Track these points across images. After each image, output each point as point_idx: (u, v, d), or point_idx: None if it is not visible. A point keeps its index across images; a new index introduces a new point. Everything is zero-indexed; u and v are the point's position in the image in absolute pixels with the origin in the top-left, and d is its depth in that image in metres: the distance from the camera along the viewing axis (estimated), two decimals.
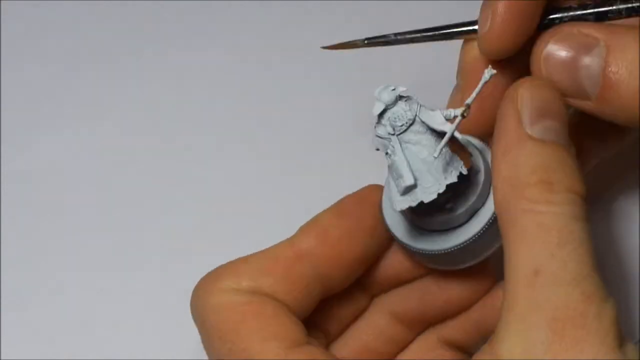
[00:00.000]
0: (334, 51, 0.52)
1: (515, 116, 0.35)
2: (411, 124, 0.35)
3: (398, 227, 0.38)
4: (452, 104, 0.39)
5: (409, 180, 0.34)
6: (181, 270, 0.46)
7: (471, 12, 0.52)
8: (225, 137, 0.50)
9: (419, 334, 0.42)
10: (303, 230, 0.38)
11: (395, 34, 0.37)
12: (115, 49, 0.52)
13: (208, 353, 0.37)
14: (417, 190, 0.35)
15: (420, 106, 0.35)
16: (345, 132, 0.49)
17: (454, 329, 0.41)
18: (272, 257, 0.37)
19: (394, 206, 0.35)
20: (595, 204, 0.47)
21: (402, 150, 0.35)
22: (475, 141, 0.38)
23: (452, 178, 0.35)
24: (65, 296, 0.46)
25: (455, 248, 0.37)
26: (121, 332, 0.45)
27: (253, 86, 0.51)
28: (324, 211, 0.39)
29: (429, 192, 0.35)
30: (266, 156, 0.49)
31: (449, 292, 0.41)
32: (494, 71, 0.35)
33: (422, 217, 0.37)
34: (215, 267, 0.46)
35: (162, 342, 0.45)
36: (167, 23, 0.53)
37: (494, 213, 0.36)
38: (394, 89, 0.35)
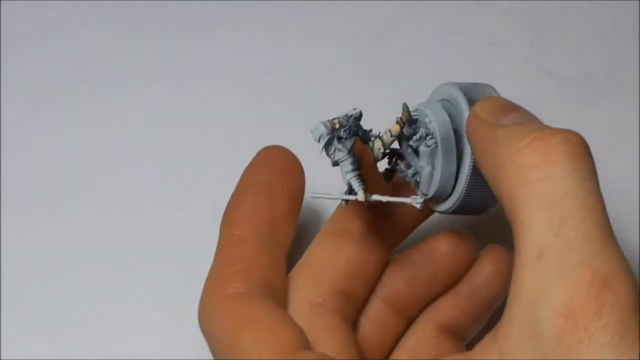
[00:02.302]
0: (335, 51, 0.52)
1: (484, 123, 0.34)
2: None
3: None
4: None
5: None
6: (182, 270, 0.46)
7: (470, 11, 0.53)
8: (225, 136, 0.50)
9: (411, 320, 0.41)
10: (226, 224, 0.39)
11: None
12: (116, 48, 0.52)
13: None
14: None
15: (346, 158, 0.36)
16: None
17: (446, 309, 0.40)
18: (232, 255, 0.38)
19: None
20: None
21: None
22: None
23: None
24: (66, 296, 0.46)
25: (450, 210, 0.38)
26: (121, 332, 0.45)
27: (254, 86, 0.51)
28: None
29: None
30: None
31: (436, 264, 0.39)
32: (420, 201, 0.36)
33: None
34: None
35: (162, 342, 0.45)
36: (168, 23, 0.53)
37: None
38: (328, 129, 0.37)
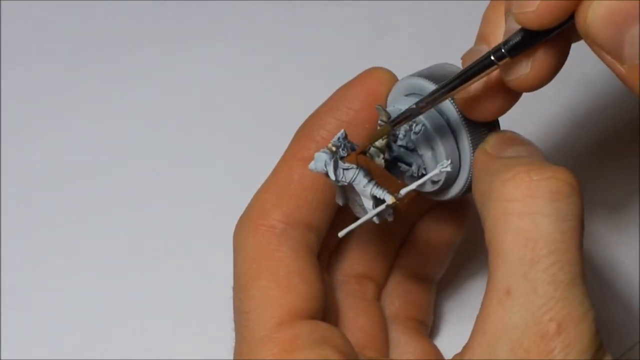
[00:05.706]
0: (336, 49, 0.52)
1: (485, 153, 0.34)
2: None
3: None
4: (470, 55, 0.35)
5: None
6: (181, 270, 0.47)
7: (470, 11, 0.52)
8: (225, 135, 0.50)
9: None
10: (299, 138, 0.37)
11: (417, 104, 0.34)
12: (115, 49, 0.52)
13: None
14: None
15: (357, 173, 0.35)
16: None
17: (408, 258, 0.41)
18: (286, 181, 0.36)
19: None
20: (594, 204, 0.47)
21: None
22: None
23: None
24: (66, 296, 0.46)
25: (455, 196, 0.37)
26: (121, 332, 0.45)
27: (254, 85, 0.51)
28: (316, 112, 0.37)
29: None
30: (267, 155, 0.49)
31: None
32: (448, 168, 0.33)
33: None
34: (216, 265, 0.46)
35: (162, 341, 0.45)
36: (167, 23, 0.53)
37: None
38: (329, 155, 0.35)
